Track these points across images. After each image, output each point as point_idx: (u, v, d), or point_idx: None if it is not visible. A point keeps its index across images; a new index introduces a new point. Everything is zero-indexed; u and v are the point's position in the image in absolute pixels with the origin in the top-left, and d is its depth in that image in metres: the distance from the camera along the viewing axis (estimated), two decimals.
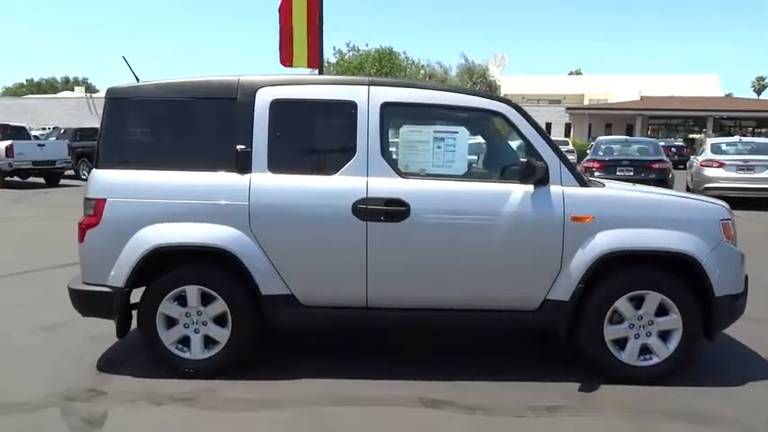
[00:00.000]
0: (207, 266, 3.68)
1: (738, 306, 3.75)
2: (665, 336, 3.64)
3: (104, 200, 3.63)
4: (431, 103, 3.76)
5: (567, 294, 3.57)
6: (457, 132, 3.70)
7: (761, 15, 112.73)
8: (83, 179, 18.40)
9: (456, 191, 3.64)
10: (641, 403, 3.40)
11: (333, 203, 3.59)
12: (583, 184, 3.66)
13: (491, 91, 37.82)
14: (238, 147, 3.60)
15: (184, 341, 3.72)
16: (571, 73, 67.32)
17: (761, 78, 71.89)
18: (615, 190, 3.83)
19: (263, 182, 3.60)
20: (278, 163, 3.63)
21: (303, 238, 3.62)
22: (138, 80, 3.90)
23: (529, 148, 3.66)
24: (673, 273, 3.62)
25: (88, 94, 45.31)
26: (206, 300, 3.67)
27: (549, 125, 37.15)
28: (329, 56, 36.71)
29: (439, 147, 3.69)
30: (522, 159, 3.56)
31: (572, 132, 38.75)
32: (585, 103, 47.49)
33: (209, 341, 3.71)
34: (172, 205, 3.60)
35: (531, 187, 3.58)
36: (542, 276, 3.61)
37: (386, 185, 3.57)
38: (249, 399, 3.45)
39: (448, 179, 3.66)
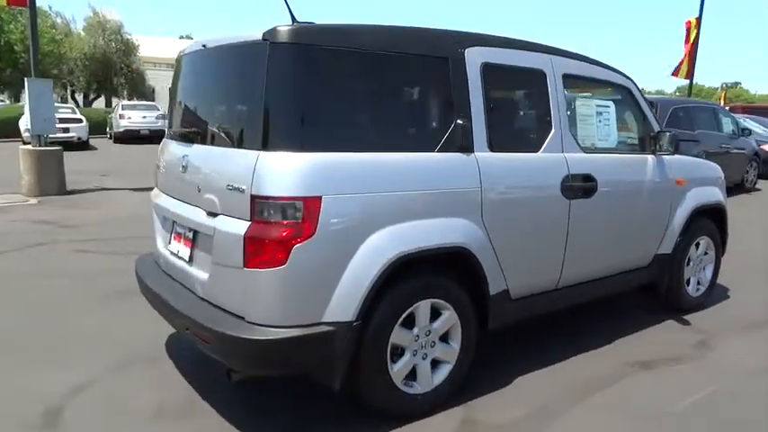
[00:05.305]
0: (434, 273, 2.89)
1: None
2: (704, 269, 4.64)
3: (319, 198, 2.44)
4: (586, 76, 3.71)
5: (670, 247, 4.18)
6: (609, 106, 3.79)
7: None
8: None
9: (621, 163, 3.78)
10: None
11: (547, 183, 3.29)
12: (675, 152, 4.27)
13: (129, 50, 33.89)
14: (459, 120, 2.91)
15: (410, 374, 2.87)
16: (182, 37, 65.18)
17: None
18: (685, 156, 4.56)
19: (490, 162, 3.01)
20: (494, 139, 3.08)
21: (523, 224, 3.20)
22: (294, 21, 2.64)
23: (645, 120, 4.05)
24: (709, 219, 4.60)
25: None
26: (433, 315, 2.90)
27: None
28: None
29: (600, 120, 3.73)
30: (665, 131, 3.94)
31: None
32: None
33: (433, 365, 2.96)
34: (405, 198, 2.68)
35: (654, 156, 4.00)
36: (658, 233, 4.11)
37: (579, 161, 3.45)
38: (515, 417, 2.95)
39: (610, 152, 3.76)
